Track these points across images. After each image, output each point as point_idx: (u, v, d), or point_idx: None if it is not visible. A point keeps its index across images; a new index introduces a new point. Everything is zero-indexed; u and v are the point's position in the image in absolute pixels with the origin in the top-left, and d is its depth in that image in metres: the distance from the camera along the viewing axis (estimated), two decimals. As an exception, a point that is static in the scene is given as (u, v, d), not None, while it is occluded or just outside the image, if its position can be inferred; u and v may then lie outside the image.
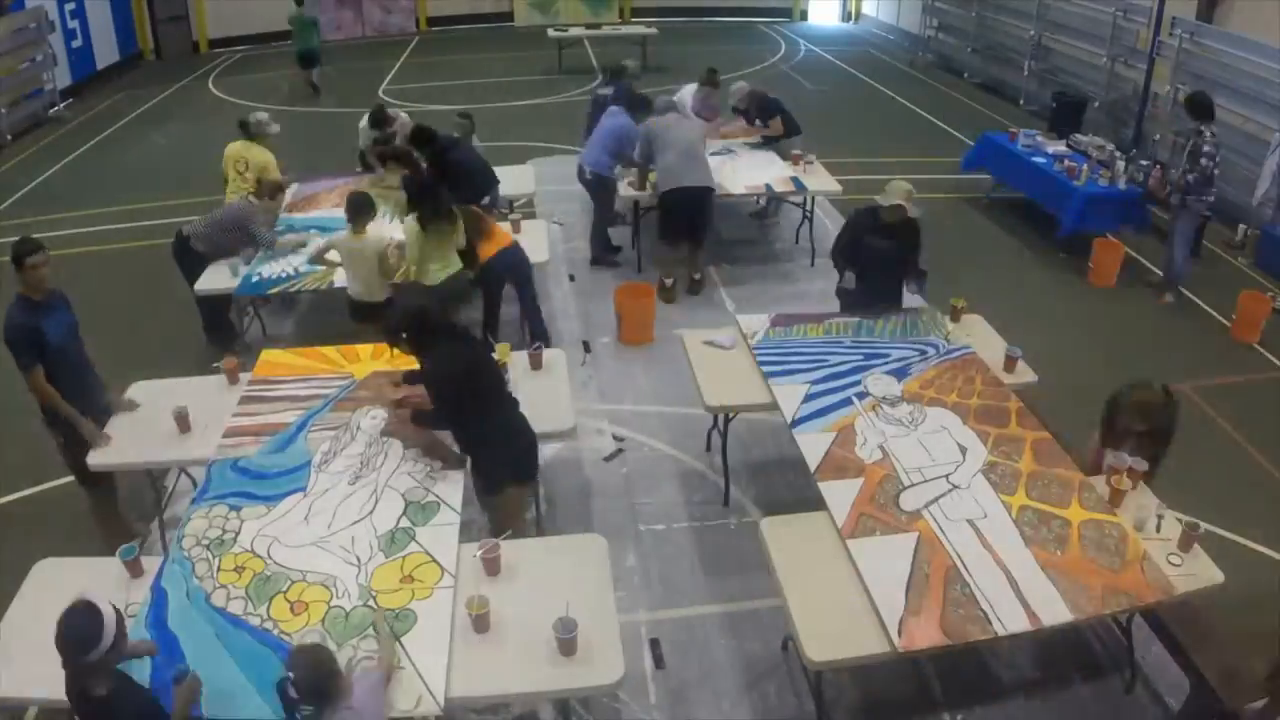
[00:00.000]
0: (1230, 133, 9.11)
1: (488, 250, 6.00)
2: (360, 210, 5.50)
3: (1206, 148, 6.94)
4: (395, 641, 3.13)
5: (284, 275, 6.10)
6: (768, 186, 7.77)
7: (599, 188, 7.63)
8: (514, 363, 4.93)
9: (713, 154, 8.28)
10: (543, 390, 4.71)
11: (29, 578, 3.53)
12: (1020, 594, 3.40)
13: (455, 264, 5.78)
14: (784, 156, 8.21)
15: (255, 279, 6.07)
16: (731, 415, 4.99)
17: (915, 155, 10.82)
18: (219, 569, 3.50)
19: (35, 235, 4.56)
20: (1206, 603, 3.72)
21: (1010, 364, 4.89)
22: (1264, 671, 3.10)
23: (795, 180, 7.77)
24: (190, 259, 6.33)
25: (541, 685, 3.13)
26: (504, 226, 6.58)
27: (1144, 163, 8.55)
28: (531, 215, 7.93)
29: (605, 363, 6.53)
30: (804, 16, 20.09)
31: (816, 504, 3.94)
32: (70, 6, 13.97)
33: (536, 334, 6.33)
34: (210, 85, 15.00)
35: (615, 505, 5.16)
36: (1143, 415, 4.01)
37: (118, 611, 2.63)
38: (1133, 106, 10.61)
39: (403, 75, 15.06)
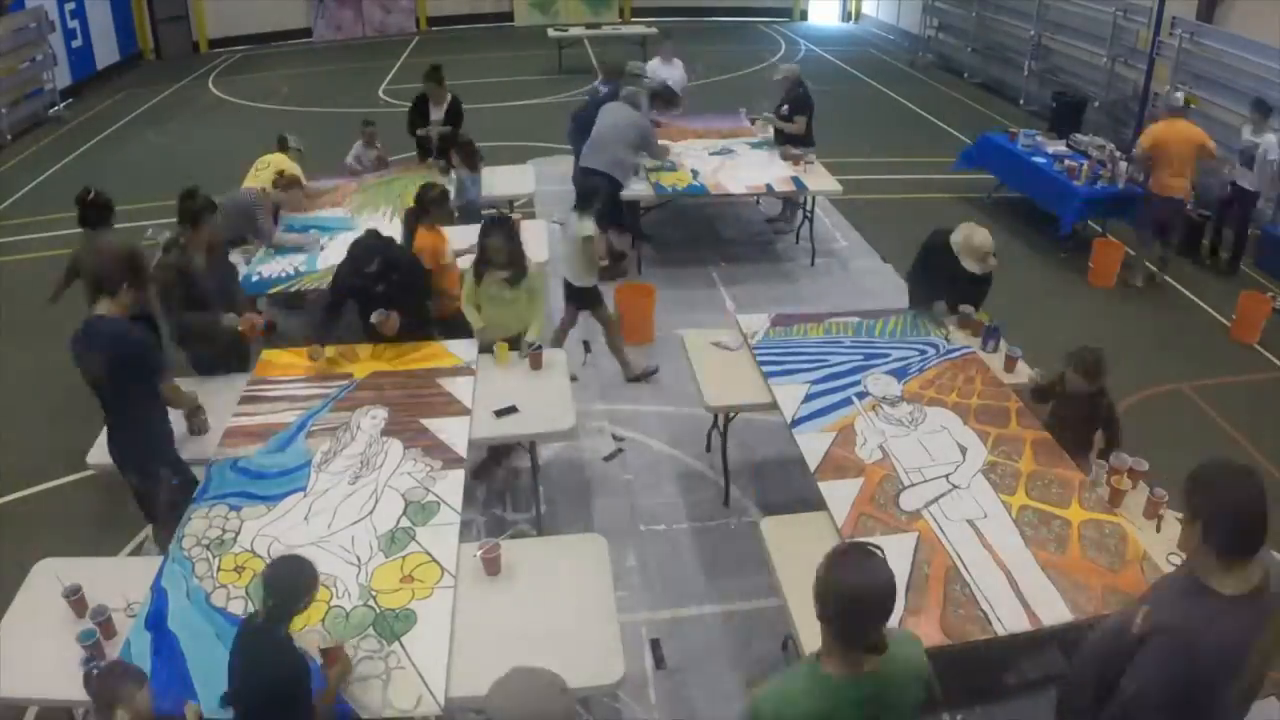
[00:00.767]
0: (1230, 133, 9.13)
1: None
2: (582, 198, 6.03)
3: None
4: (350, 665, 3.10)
5: (284, 275, 6.10)
6: (768, 186, 7.76)
7: (612, 188, 7.51)
8: (513, 362, 4.93)
9: (713, 153, 8.31)
10: (543, 390, 4.71)
11: (29, 578, 3.53)
12: (1020, 594, 3.40)
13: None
14: (784, 156, 8.20)
15: (255, 279, 6.06)
16: (731, 415, 4.99)
17: (915, 155, 10.84)
18: (219, 569, 3.50)
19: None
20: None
21: (1010, 364, 4.89)
22: None
23: (796, 180, 7.77)
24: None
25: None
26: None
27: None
28: (531, 215, 7.93)
29: (605, 363, 6.53)
30: (804, 16, 20.10)
31: (816, 504, 3.94)
32: (70, 6, 13.98)
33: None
34: (210, 85, 15.00)
35: (615, 505, 5.16)
36: (1082, 369, 4.13)
37: None
38: (1133, 106, 10.62)
39: (403, 75, 15.07)
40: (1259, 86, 8.65)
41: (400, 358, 4.94)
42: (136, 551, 4.79)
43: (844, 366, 4.87)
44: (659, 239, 8.35)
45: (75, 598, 3.29)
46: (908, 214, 9.10)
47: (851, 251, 8.41)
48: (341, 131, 9.34)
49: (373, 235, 5.10)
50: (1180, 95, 8.30)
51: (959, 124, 12.07)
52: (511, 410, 4.47)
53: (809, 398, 4.59)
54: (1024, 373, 4.89)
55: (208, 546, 3.61)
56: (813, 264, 7.89)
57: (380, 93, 14.03)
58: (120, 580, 3.48)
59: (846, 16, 19.95)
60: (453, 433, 4.29)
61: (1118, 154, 8.44)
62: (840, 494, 3.92)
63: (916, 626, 3.27)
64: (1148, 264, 7.82)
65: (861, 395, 4.61)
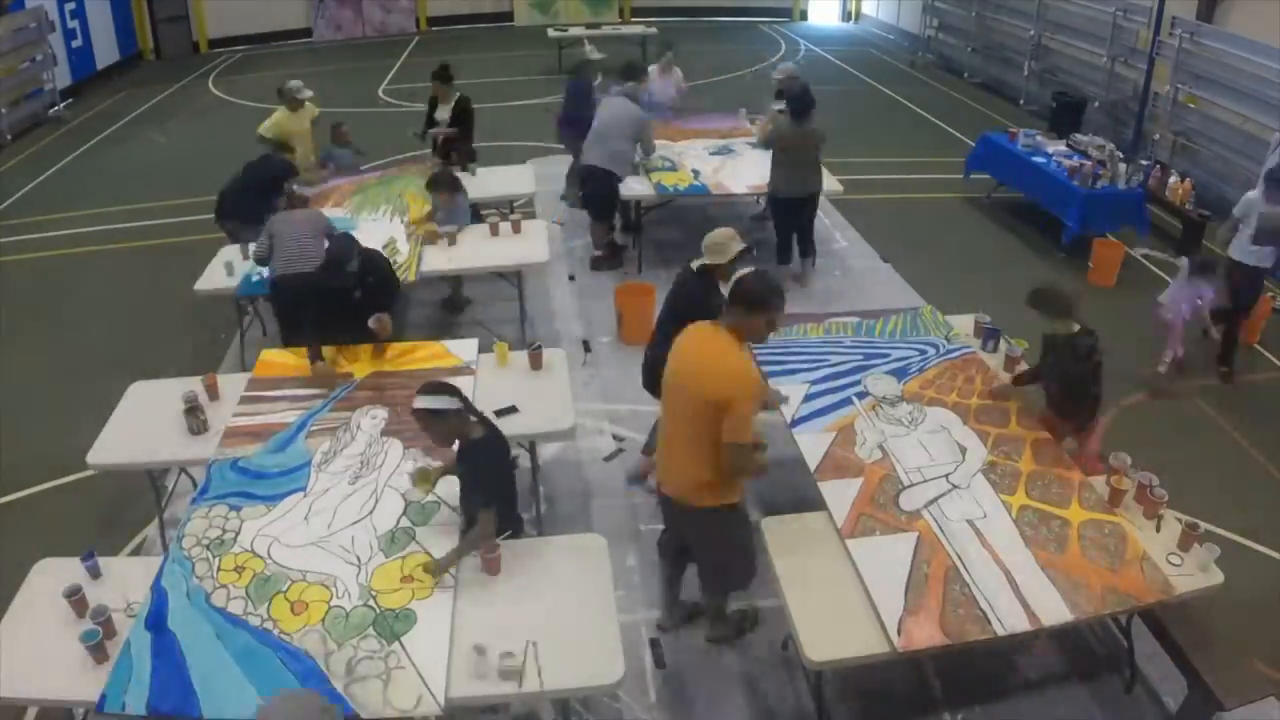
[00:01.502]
0: (1230, 133, 9.13)
1: None
2: None
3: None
4: None
5: (284, 275, 6.09)
6: (769, 186, 7.75)
7: (611, 183, 7.52)
8: (513, 362, 4.93)
9: (713, 153, 8.30)
10: (543, 390, 4.71)
11: (29, 578, 3.53)
12: (1020, 594, 3.40)
13: None
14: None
15: (255, 278, 6.06)
16: (731, 415, 4.98)
17: (915, 155, 10.83)
18: (219, 569, 3.50)
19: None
20: (1207, 603, 3.72)
21: (1010, 364, 4.89)
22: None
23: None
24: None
25: (542, 685, 3.13)
26: (504, 226, 6.64)
27: (1144, 163, 8.56)
28: (531, 215, 7.93)
29: (605, 363, 6.53)
30: (804, 16, 20.09)
31: (816, 504, 3.94)
32: (70, 6, 13.97)
33: None
34: (210, 85, 15.00)
35: (615, 505, 5.15)
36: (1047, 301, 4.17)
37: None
38: (1133, 106, 10.62)
39: (403, 75, 15.07)
40: (1259, 86, 8.66)
41: (400, 358, 4.94)
42: (136, 551, 4.80)
43: (844, 366, 4.87)
44: (659, 239, 8.34)
45: (75, 598, 3.29)
46: (908, 214, 9.11)
47: (851, 251, 8.40)
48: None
49: (346, 238, 5.17)
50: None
51: (959, 124, 12.07)
52: (511, 410, 4.47)
53: (809, 397, 4.59)
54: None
55: (208, 546, 3.61)
56: (813, 264, 7.88)
57: (380, 92, 14.03)
58: (120, 580, 3.48)
59: (846, 16, 19.95)
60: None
61: (1118, 154, 8.44)
62: (840, 494, 3.92)
63: (916, 626, 3.28)
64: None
65: (861, 395, 4.61)
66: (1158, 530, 3.75)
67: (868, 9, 19.51)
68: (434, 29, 18.89)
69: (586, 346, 6.72)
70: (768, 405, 4.26)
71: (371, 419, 4.40)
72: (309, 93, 7.73)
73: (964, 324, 5.35)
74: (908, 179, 10.07)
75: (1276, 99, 8.43)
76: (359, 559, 3.55)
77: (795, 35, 18.26)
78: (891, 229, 8.72)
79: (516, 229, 6.70)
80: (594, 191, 7.59)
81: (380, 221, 6.82)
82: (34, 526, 5.04)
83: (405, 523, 3.74)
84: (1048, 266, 8.10)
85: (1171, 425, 5.85)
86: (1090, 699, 3.98)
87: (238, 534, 3.68)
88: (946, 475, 4.03)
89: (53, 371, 6.52)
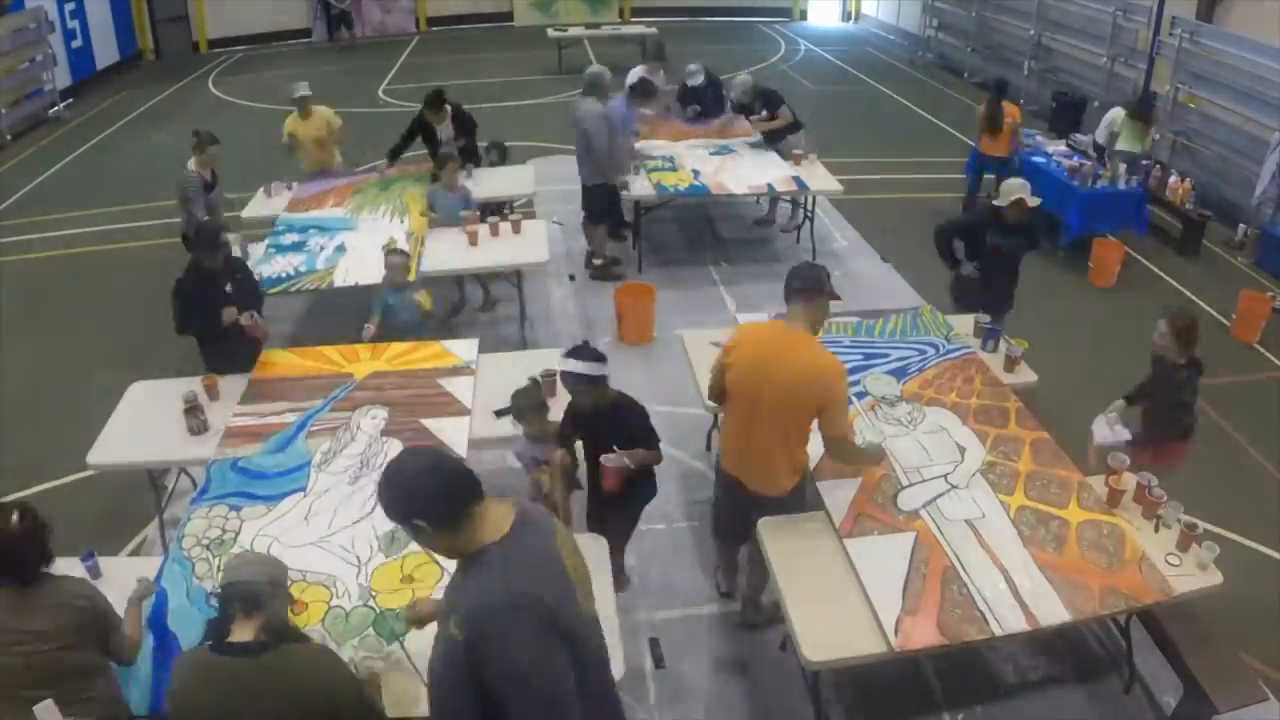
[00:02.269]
0: (1230, 133, 9.14)
1: None
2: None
3: None
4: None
5: (284, 275, 6.10)
6: (769, 186, 7.76)
7: (611, 194, 7.56)
8: (513, 363, 4.93)
9: (713, 153, 8.30)
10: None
11: (29, 578, 3.53)
12: (1018, 594, 3.40)
13: None
14: (785, 156, 8.20)
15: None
16: (731, 415, 4.99)
17: (915, 155, 10.84)
18: (219, 569, 3.50)
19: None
20: (1205, 604, 3.72)
21: (1010, 364, 4.90)
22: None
23: (797, 180, 7.76)
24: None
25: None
26: (504, 226, 6.64)
27: (1144, 162, 8.56)
28: (531, 215, 7.93)
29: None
30: (804, 16, 20.09)
31: (815, 504, 3.94)
32: (70, 6, 13.98)
33: None
34: (210, 85, 15.00)
35: (615, 505, 5.15)
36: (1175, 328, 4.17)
37: None
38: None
39: (402, 75, 15.08)
40: (1259, 86, 8.66)
41: (400, 357, 4.94)
42: (136, 551, 4.80)
43: (843, 366, 4.87)
44: (659, 239, 8.36)
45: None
46: (908, 214, 9.11)
47: (851, 251, 8.41)
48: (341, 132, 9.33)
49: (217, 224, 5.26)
50: None
51: (959, 124, 12.06)
52: (512, 410, 4.47)
53: (808, 398, 4.58)
54: (1024, 373, 4.90)
55: (208, 546, 3.62)
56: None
57: (380, 93, 14.04)
58: (120, 580, 3.48)
59: (846, 16, 19.96)
60: (452, 433, 4.29)
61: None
62: (839, 494, 3.92)
63: (914, 626, 3.28)
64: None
65: (861, 395, 4.61)
66: (1156, 531, 3.75)
67: (868, 9, 19.52)
68: (434, 29, 18.89)
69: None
70: None
71: (371, 419, 4.41)
72: (307, 91, 7.72)
73: (964, 324, 5.36)
74: (908, 179, 10.07)
75: (1276, 99, 8.44)
76: (359, 559, 3.56)
77: (795, 35, 18.26)
78: (892, 229, 8.72)
79: (516, 229, 6.70)
80: (592, 206, 7.62)
81: (380, 221, 6.83)
82: (34, 526, 5.04)
83: (405, 523, 3.74)
84: (1048, 267, 8.10)
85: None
86: (1088, 699, 3.98)
87: (238, 534, 3.69)
88: (945, 475, 4.03)
89: (52, 371, 6.53)
